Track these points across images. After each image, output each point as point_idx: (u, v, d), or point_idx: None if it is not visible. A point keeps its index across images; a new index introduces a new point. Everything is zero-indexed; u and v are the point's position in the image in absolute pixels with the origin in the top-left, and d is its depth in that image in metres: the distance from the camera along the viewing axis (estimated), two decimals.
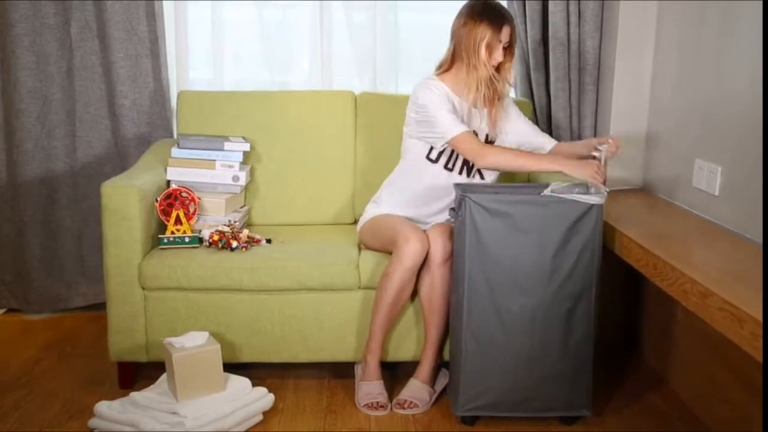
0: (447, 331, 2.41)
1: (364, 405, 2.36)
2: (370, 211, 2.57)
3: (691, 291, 1.81)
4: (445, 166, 2.45)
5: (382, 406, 2.34)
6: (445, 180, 2.44)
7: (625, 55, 2.86)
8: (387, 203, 2.54)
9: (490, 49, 2.34)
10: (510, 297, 2.17)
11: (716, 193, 2.35)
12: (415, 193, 2.49)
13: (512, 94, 3.11)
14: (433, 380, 2.45)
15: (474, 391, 2.23)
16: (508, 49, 2.39)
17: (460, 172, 2.46)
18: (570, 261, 2.16)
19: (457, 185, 2.30)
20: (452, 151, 2.43)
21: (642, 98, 2.89)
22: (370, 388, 2.39)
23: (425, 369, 2.42)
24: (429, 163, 2.45)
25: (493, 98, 2.42)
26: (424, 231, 2.37)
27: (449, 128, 2.34)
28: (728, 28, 2.29)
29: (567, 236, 2.14)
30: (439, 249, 2.31)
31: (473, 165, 2.44)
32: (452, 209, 2.28)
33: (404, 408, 2.34)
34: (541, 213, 2.14)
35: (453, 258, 2.30)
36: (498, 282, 2.16)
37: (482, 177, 2.49)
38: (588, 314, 2.21)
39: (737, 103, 2.24)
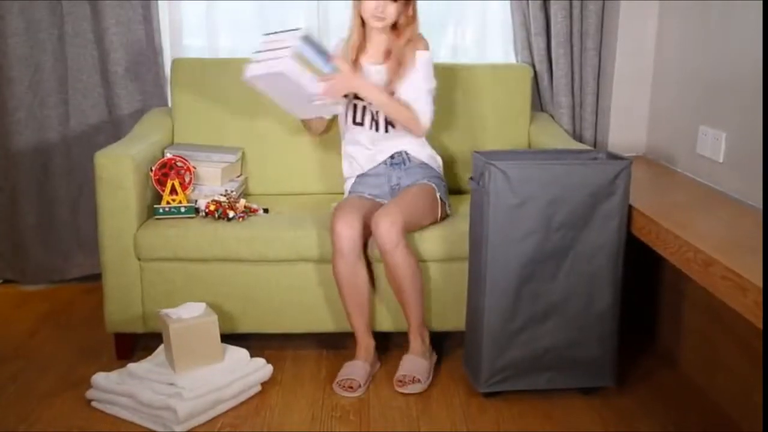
0: (423, 303, 2.37)
1: (336, 383, 2.31)
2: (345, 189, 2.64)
3: (694, 259, 1.78)
4: (354, 122, 2.54)
5: (350, 387, 2.29)
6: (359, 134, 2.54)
7: (629, 20, 2.80)
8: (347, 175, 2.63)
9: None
10: (533, 268, 2.11)
11: (720, 160, 2.31)
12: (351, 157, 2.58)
13: (511, 59, 3.06)
14: (427, 353, 2.41)
15: (496, 366, 2.19)
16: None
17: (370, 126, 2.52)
18: (595, 228, 2.10)
19: (477, 153, 2.19)
20: (354, 106, 2.52)
21: (645, 63, 2.84)
22: (348, 368, 2.35)
23: (416, 345, 2.37)
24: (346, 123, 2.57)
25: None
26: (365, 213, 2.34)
27: None
28: None
29: (594, 202, 2.08)
30: (383, 237, 2.24)
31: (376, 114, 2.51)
32: (471, 178, 2.21)
33: (406, 385, 2.30)
34: (565, 180, 2.06)
35: (406, 242, 2.28)
36: (520, 253, 2.09)
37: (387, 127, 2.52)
38: (614, 283, 2.15)
39: (742, 69, 2.19)
